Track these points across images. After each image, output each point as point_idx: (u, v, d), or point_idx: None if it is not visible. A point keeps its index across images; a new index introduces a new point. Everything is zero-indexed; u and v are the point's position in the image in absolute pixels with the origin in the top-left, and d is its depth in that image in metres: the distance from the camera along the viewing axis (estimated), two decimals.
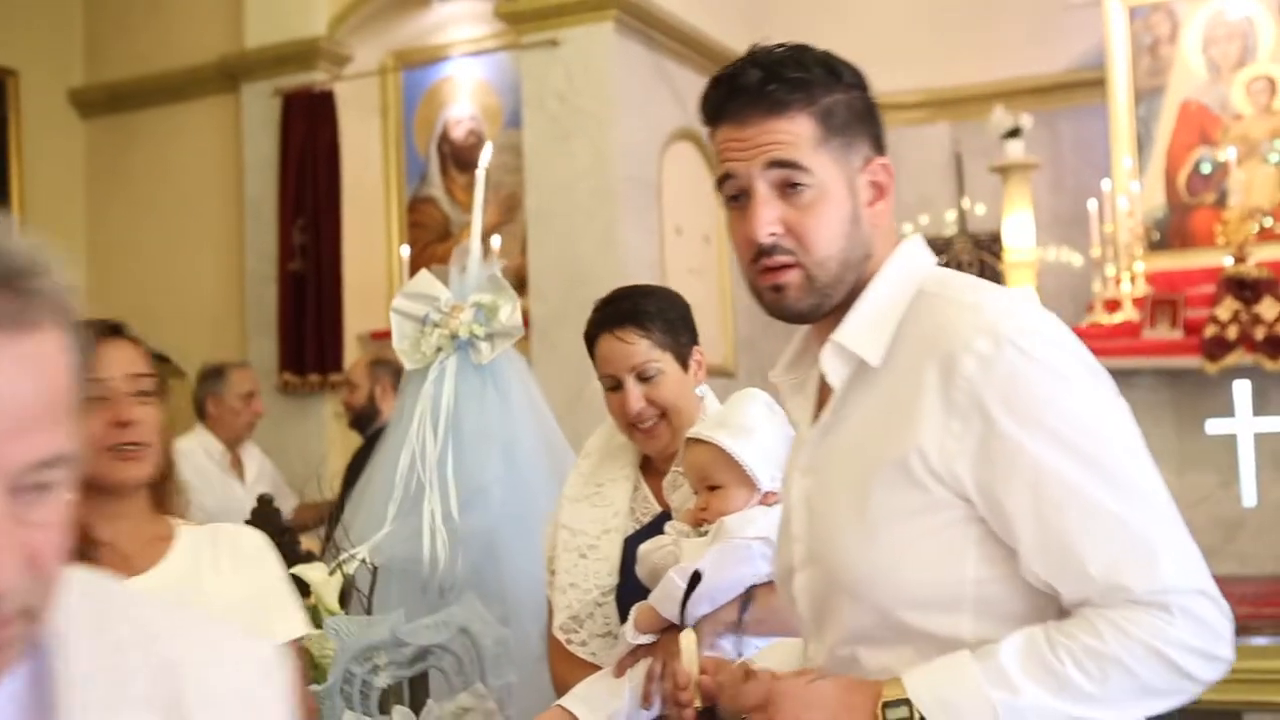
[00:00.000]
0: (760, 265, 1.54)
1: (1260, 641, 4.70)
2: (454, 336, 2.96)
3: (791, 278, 1.53)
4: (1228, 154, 7.11)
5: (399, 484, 2.91)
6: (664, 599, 2.21)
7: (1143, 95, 7.63)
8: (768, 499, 2.21)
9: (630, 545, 2.45)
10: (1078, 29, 8.24)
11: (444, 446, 2.91)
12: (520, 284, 7.28)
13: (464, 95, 7.76)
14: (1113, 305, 7.11)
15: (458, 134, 7.72)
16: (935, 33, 8.89)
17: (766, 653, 1.94)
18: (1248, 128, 7.39)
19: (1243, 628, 4.96)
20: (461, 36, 7.76)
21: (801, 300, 1.54)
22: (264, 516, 3.41)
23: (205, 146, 7.78)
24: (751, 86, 1.53)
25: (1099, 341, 6.83)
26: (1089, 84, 8.13)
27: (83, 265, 8.09)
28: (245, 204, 7.59)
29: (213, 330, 7.61)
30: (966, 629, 1.46)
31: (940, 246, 9.34)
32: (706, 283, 8.11)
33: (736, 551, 2.15)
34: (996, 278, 8.18)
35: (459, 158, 7.82)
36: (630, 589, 2.41)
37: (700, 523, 2.27)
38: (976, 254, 9.10)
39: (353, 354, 7.14)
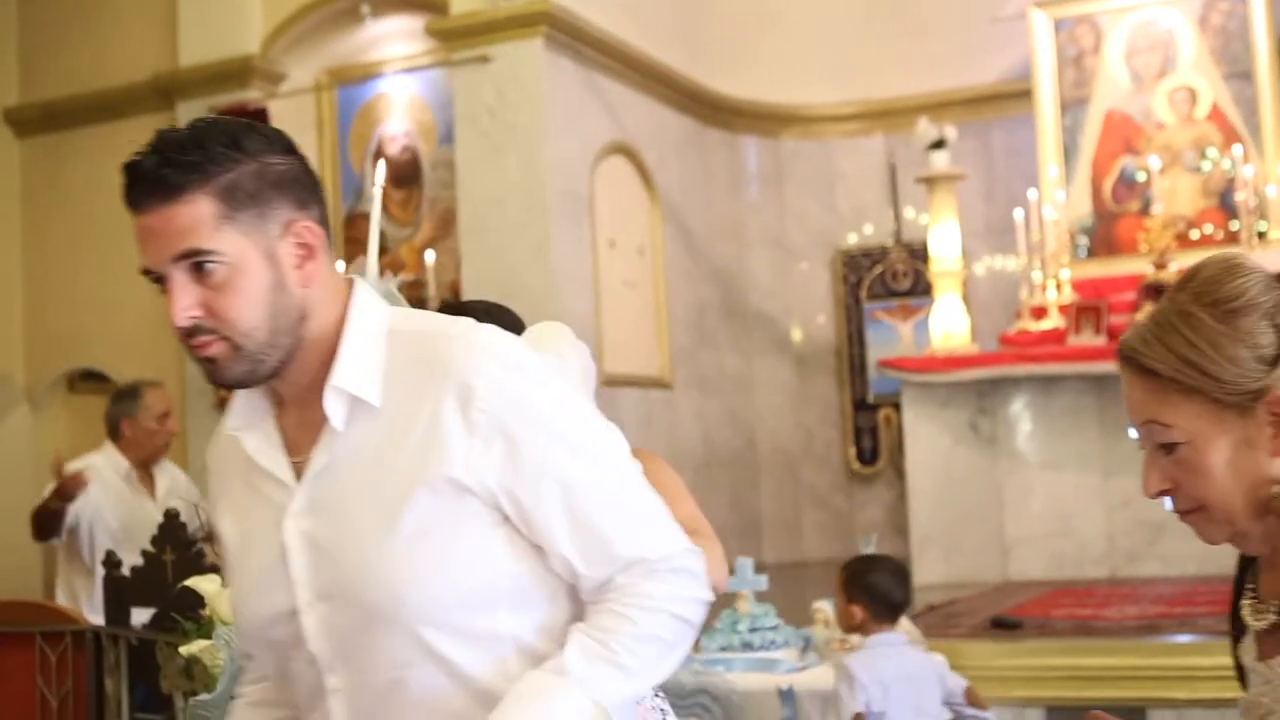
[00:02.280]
0: (189, 343, 1.63)
1: (1167, 640, 4.78)
2: None
3: (218, 350, 1.60)
4: (1152, 163, 7.23)
5: None
6: None
7: (1068, 105, 7.76)
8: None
9: None
10: (1008, 41, 8.37)
11: None
12: (456, 297, 7.33)
13: (398, 111, 7.81)
14: (1039, 312, 7.21)
15: (393, 150, 7.77)
16: (869, 46, 9.00)
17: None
18: (1170, 137, 7.53)
19: (1152, 627, 5.08)
20: (394, 54, 7.82)
21: (233, 369, 1.62)
22: (170, 531, 3.44)
23: None
24: (148, 173, 1.56)
25: (1025, 348, 6.94)
26: (1018, 95, 8.25)
27: (19, 283, 8.09)
28: None
29: (149, 347, 7.62)
30: (504, 622, 1.63)
31: (877, 256, 9.45)
32: (642, 295, 8.17)
33: None
34: (930, 286, 8.29)
35: (395, 174, 7.87)
36: None
37: None
38: (912, 264, 9.19)
39: None
